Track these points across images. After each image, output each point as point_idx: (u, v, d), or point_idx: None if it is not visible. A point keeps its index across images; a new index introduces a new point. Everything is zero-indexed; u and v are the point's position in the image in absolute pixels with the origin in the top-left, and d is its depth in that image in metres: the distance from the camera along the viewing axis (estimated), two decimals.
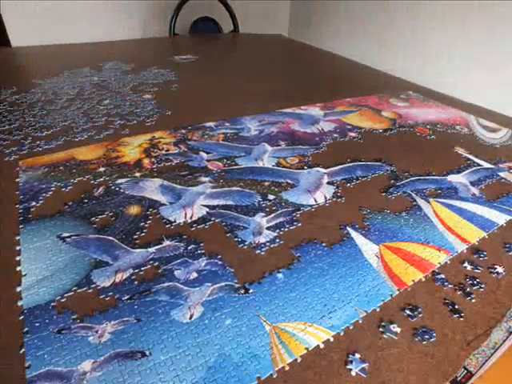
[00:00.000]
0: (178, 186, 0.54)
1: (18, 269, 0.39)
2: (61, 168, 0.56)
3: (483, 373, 0.34)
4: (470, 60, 1.50)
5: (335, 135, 0.73)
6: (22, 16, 1.65)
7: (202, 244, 0.44)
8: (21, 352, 0.31)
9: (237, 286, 0.38)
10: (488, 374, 0.35)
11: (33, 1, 1.63)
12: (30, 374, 0.29)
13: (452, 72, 1.57)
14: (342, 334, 0.34)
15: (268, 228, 0.47)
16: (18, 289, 0.36)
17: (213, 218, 0.48)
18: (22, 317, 0.34)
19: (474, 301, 0.39)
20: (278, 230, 0.47)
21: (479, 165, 0.66)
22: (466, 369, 0.33)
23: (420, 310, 0.37)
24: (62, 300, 0.36)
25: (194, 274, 0.39)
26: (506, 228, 0.50)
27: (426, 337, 0.35)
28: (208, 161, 0.61)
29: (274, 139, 0.70)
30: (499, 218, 0.52)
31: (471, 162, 0.67)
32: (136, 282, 0.38)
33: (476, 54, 1.47)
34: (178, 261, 0.41)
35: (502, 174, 0.63)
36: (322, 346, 0.33)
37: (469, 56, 1.50)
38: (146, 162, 0.60)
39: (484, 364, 0.34)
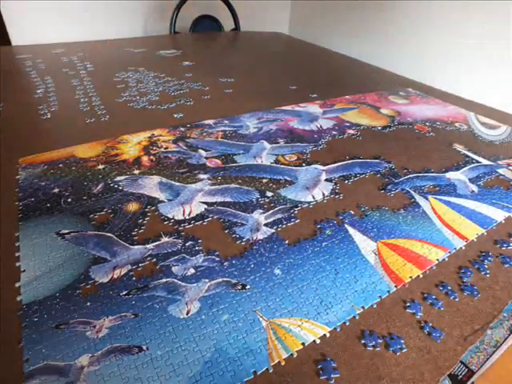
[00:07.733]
0: (177, 183, 0.54)
1: (18, 265, 0.39)
2: (60, 165, 0.56)
3: (485, 371, 0.34)
4: (469, 57, 1.50)
5: (334, 132, 0.73)
6: (22, 14, 1.65)
7: (199, 240, 0.44)
8: (19, 346, 0.31)
9: (234, 281, 0.39)
10: (490, 372, 0.35)
11: (33, 0, 1.64)
12: (28, 368, 0.30)
13: (451, 69, 1.57)
14: (338, 330, 0.35)
15: (266, 225, 0.47)
16: (17, 284, 0.37)
17: (211, 215, 0.48)
18: (20, 312, 0.34)
19: (471, 296, 0.39)
20: (275, 227, 0.47)
21: (478, 162, 0.66)
22: (467, 367, 0.33)
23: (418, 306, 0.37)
24: (61, 296, 0.36)
25: (192, 270, 0.39)
26: (505, 225, 0.50)
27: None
28: (207, 158, 0.61)
29: (273, 137, 0.70)
30: (498, 214, 0.52)
31: (470, 158, 0.66)
32: (134, 278, 0.38)
33: (476, 52, 1.47)
34: (176, 257, 0.41)
35: (500, 171, 0.63)
36: (318, 341, 0.33)
37: (469, 53, 1.50)
38: (144, 159, 0.60)
39: (485, 362, 0.34)
